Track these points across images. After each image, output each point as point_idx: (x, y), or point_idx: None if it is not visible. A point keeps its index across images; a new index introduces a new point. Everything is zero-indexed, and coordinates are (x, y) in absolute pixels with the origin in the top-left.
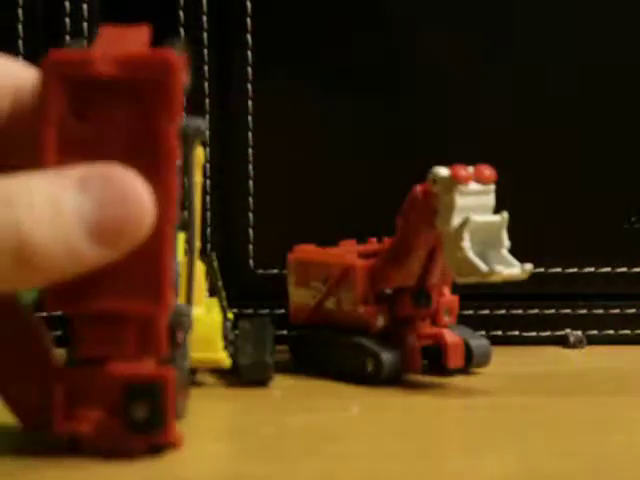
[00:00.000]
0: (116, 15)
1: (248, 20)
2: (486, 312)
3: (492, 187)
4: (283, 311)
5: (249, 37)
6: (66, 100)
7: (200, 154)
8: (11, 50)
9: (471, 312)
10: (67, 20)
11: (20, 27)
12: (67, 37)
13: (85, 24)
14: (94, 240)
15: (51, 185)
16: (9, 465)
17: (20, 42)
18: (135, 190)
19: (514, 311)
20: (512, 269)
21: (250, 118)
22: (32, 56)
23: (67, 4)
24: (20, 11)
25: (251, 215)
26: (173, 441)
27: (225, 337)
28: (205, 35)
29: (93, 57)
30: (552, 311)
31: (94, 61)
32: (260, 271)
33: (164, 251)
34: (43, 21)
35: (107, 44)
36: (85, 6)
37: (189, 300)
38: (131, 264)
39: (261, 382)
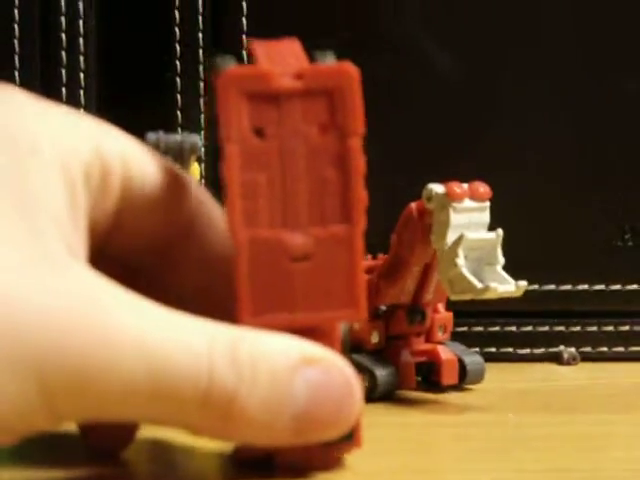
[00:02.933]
0: (112, 14)
1: (244, 20)
2: (480, 329)
3: (487, 204)
4: None
5: (244, 38)
6: (247, 116)
7: (195, 170)
8: (7, 51)
9: (465, 329)
10: (62, 19)
11: (16, 27)
12: (63, 35)
13: (80, 21)
14: (297, 430)
15: (275, 363)
16: None
17: (15, 41)
18: (352, 391)
19: (508, 328)
20: (506, 286)
21: None
22: (28, 57)
23: (62, 3)
24: (16, 11)
25: None
26: (359, 447)
27: None
28: (200, 35)
29: (271, 72)
30: (546, 328)
31: (274, 75)
32: None
33: (356, 262)
34: (39, 21)
35: (270, 59)
36: (81, 4)
37: None
38: (323, 275)
39: None
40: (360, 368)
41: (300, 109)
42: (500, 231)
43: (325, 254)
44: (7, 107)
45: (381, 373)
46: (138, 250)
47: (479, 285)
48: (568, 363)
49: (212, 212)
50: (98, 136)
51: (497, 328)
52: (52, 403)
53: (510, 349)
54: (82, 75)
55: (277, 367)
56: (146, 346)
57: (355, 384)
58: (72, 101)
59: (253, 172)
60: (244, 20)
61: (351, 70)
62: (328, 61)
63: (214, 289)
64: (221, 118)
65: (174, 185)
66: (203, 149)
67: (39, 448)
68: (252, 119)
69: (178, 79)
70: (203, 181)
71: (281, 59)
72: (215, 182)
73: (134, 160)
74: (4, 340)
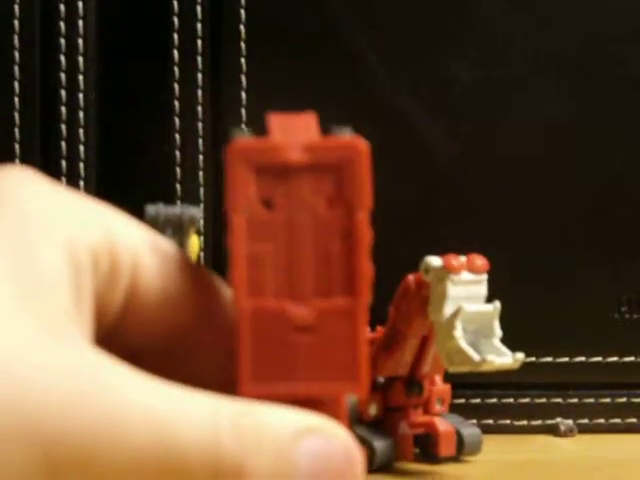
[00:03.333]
0: (112, 85)
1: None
2: (477, 401)
3: (484, 277)
4: None
5: (243, 45)
6: (254, 187)
7: (195, 243)
8: (8, 124)
9: (462, 401)
10: (63, 92)
11: (17, 99)
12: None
13: (80, 95)
14: None
15: (278, 433)
16: None
17: (16, 114)
18: (354, 462)
19: (505, 400)
20: (504, 358)
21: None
22: (28, 130)
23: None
24: (17, 84)
25: None
26: None
27: None
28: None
29: (280, 144)
30: (543, 400)
31: (282, 148)
32: None
33: (359, 335)
34: (40, 94)
35: (282, 131)
36: (81, 77)
37: None
38: (325, 347)
39: None
40: (358, 440)
41: (308, 182)
42: (497, 303)
43: (329, 326)
44: (22, 185)
45: (379, 445)
46: (148, 338)
47: (477, 358)
48: (565, 435)
49: (227, 300)
50: (110, 223)
51: (494, 400)
52: (54, 475)
53: (507, 421)
54: (82, 148)
55: (280, 437)
56: (153, 420)
57: (357, 455)
58: (72, 174)
59: (259, 243)
60: (243, 94)
61: (360, 144)
62: (344, 135)
63: (226, 375)
64: (228, 188)
65: (189, 276)
66: (202, 221)
67: None
68: (260, 190)
69: (177, 152)
70: (203, 253)
71: (293, 132)
72: (215, 254)
73: (146, 250)
74: (10, 418)
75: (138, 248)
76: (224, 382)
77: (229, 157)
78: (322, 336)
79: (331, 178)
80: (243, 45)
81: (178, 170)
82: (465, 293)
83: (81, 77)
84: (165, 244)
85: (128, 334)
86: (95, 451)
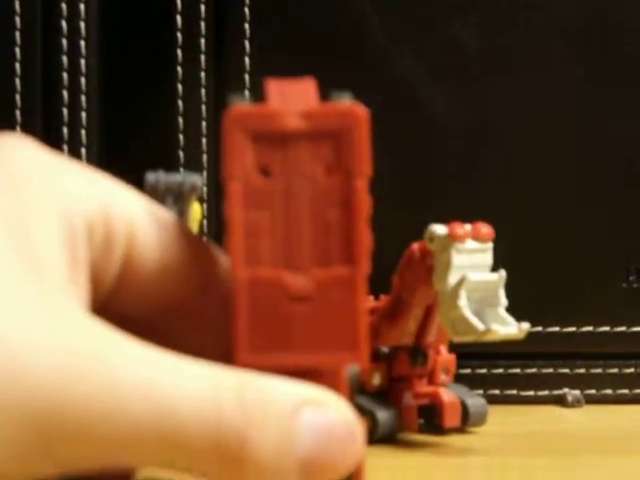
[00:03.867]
0: (114, 53)
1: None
2: (483, 371)
3: (489, 245)
4: None
5: (247, 43)
6: (251, 154)
7: (197, 211)
8: (9, 91)
9: (468, 371)
10: (64, 58)
11: (18, 66)
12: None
13: (82, 60)
14: (302, 473)
15: (281, 405)
16: None
17: (17, 80)
18: (354, 434)
19: (512, 370)
20: (509, 328)
21: None
22: (30, 97)
23: (64, 5)
24: (17, 50)
25: None
26: None
27: None
28: (203, 75)
29: (278, 111)
30: (550, 370)
31: (281, 115)
32: None
33: (358, 304)
34: (41, 60)
35: (281, 98)
36: (82, 43)
37: None
38: (324, 317)
39: None
40: (361, 410)
41: (306, 149)
42: (503, 272)
43: (327, 296)
44: (18, 153)
45: (382, 415)
46: (144, 308)
47: (481, 327)
48: (572, 406)
49: (225, 271)
50: (106, 193)
51: (501, 370)
52: (53, 449)
53: (514, 391)
54: (84, 114)
55: (283, 409)
56: (152, 392)
57: (356, 427)
58: (74, 141)
59: (256, 211)
60: (247, 60)
61: (359, 111)
62: (343, 101)
63: (223, 348)
64: (225, 155)
65: (187, 246)
66: (205, 189)
67: None
68: (257, 158)
69: (180, 119)
70: (205, 221)
71: (292, 98)
72: (218, 222)
73: (143, 220)
74: (5, 390)
75: (134, 218)
76: (221, 355)
77: (226, 124)
78: (320, 306)
79: (329, 145)
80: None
81: (181, 137)
82: (470, 262)
83: (83, 43)
84: (163, 214)
85: (125, 304)
86: (91, 423)
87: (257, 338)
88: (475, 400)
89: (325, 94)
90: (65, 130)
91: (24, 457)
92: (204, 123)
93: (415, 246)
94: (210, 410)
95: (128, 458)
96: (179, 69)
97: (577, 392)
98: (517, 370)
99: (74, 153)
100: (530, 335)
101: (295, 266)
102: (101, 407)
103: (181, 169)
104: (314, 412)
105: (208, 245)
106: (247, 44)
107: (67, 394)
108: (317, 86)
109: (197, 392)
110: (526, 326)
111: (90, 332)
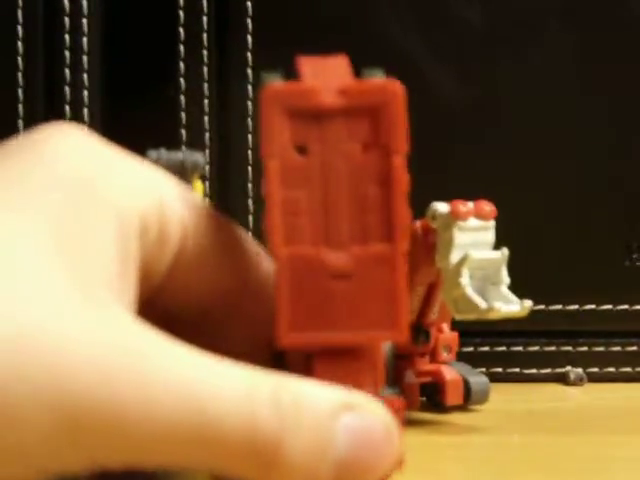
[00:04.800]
0: (116, 32)
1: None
2: (486, 349)
3: (492, 223)
4: None
5: (249, 38)
6: (288, 132)
7: (199, 189)
8: (10, 51)
9: (471, 349)
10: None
11: (20, 43)
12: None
13: (84, 38)
14: (337, 477)
15: (317, 409)
16: None
17: (19, 59)
18: (391, 438)
19: (514, 348)
20: (511, 306)
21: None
22: (32, 75)
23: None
24: (19, 28)
25: None
26: None
27: None
28: (205, 52)
29: (314, 88)
30: (553, 348)
31: (317, 91)
32: None
33: (397, 281)
34: (43, 20)
35: (315, 75)
36: (84, 21)
37: None
38: (364, 294)
39: None
40: None
41: (343, 126)
42: (505, 250)
43: (366, 273)
44: (74, 145)
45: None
46: (190, 303)
47: (483, 305)
48: (575, 384)
49: (267, 265)
50: (160, 189)
51: (503, 348)
52: (84, 442)
53: (516, 369)
54: (86, 93)
55: (320, 413)
56: (188, 392)
57: (394, 430)
58: (76, 119)
59: (294, 189)
60: (249, 37)
61: (396, 87)
62: (376, 78)
63: (265, 342)
64: (263, 134)
65: (231, 242)
66: (208, 167)
67: None
68: (294, 135)
69: (182, 97)
70: (207, 199)
71: (326, 75)
72: (220, 200)
73: (192, 217)
74: (36, 382)
75: (186, 216)
76: (261, 348)
77: (263, 102)
78: (360, 283)
79: (366, 122)
80: None
81: (183, 115)
82: (472, 240)
83: (85, 20)
84: (207, 208)
85: (170, 300)
86: (124, 418)
87: (298, 317)
88: (477, 378)
89: (356, 71)
90: (67, 108)
91: (54, 448)
92: (206, 101)
93: (417, 224)
94: (246, 413)
95: (160, 456)
96: (181, 47)
97: (579, 370)
98: (519, 348)
99: None
100: (532, 313)
101: (334, 244)
102: (135, 404)
103: (183, 147)
104: (352, 417)
105: (241, 232)
106: (249, 38)
107: (102, 388)
108: (350, 63)
109: (232, 395)
110: (528, 304)
111: (130, 329)
